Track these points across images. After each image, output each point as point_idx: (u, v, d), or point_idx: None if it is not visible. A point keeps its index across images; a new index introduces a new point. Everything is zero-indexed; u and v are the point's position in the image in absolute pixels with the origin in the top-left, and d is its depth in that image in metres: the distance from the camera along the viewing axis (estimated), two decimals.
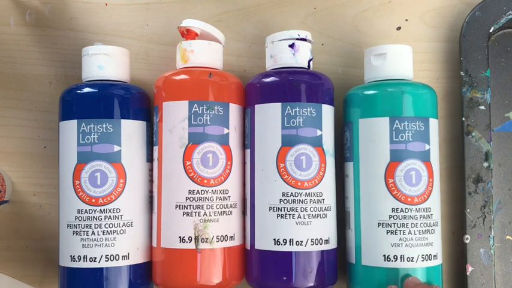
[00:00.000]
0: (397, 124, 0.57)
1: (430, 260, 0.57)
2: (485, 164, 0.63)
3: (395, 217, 0.57)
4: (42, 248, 0.66)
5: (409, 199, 0.57)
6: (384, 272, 0.57)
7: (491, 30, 0.64)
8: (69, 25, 0.68)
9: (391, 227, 0.57)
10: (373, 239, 0.58)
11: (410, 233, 0.57)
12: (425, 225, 0.57)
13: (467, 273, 0.62)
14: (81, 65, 0.62)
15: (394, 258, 0.57)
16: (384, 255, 0.57)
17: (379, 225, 0.58)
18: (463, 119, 0.64)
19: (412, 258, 0.57)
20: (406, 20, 0.68)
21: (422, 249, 0.57)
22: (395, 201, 0.57)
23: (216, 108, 0.58)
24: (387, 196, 0.58)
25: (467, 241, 0.62)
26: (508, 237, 0.65)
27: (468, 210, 0.63)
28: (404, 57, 0.60)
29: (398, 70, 0.60)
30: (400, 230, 0.57)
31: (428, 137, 0.58)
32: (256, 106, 0.59)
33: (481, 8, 0.65)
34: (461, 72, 0.64)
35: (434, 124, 0.59)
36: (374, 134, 0.59)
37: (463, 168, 0.63)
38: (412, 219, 0.57)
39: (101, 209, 0.57)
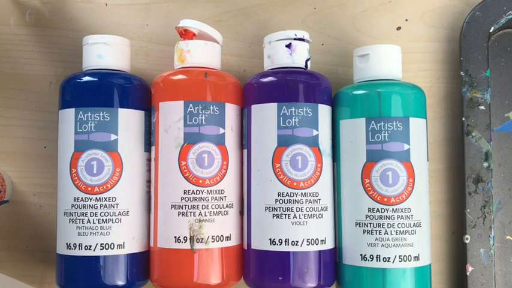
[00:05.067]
0: (373, 125, 0.57)
1: (410, 261, 0.57)
2: (485, 164, 0.63)
3: (371, 217, 0.57)
4: (42, 248, 0.66)
5: (385, 199, 0.57)
6: (361, 271, 0.57)
7: (491, 30, 0.64)
8: (69, 25, 0.68)
9: (367, 226, 0.57)
10: (352, 238, 0.58)
11: (387, 233, 0.57)
12: (403, 225, 0.57)
13: (467, 273, 0.62)
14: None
15: (371, 257, 0.57)
16: (361, 255, 0.57)
17: (356, 225, 0.58)
18: (463, 119, 0.63)
19: (389, 258, 0.57)
20: (406, 20, 0.68)
21: (399, 249, 0.57)
22: (371, 201, 0.57)
23: (211, 108, 0.58)
24: (364, 196, 0.58)
25: (467, 241, 0.62)
26: (508, 237, 0.65)
27: (468, 210, 0.62)
28: (389, 57, 0.60)
29: (382, 70, 0.60)
30: (376, 230, 0.57)
31: (408, 137, 0.57)
32: (253, 106, 0.59)
33: (481, 8, 0.65)
34: (461, 72, 0.64)
35: (416, 124, 0.58)
36: (352, 135, 0.59)
37: (463, 168, 0.63)
38: (389, 219, 0.57)
39: (96, 198, 0.57)
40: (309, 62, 0.61)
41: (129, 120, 0.59)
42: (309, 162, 0.57)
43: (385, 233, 0.57)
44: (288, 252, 0.57)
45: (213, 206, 0.57)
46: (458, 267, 0.66)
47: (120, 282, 0.58)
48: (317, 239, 0.57)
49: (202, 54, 0.60)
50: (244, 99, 0.61)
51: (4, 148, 0.67)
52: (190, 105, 0.57)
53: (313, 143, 0.58)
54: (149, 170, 0.61)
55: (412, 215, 0.57)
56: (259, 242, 0.58)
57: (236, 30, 0.68)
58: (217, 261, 0.57)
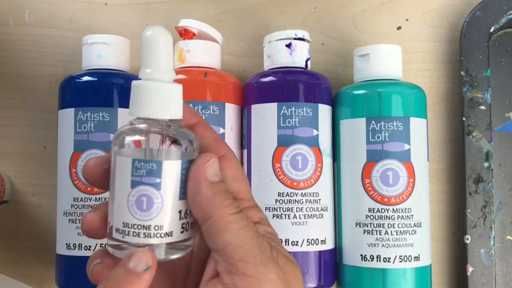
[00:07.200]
0: (373, 125, 0.57)
1: (410, 261, 0.57)
2: (486, 164, 0.63)
3: (371, 217, 0.57)
4: (42, 248, 0.66)
5: (385, 199, 0.57)
6: (361, 271, 0.57)
7: (491, 30, 0.64)
8: (69, 25, 0.68)
9: (367, 226, 0.57)
10: (352, 239, 0.58)
11: (387, 234, 0.57)
12: (403, 225, 0.57)
13: (468, 274, 0.62)
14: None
15: (371, 258, 0.57)
16: (361, 255, 0.57)
17: (356, 225, 0.58)
18: (464, 119, 0.63)
19: (389, 258, 0.57)
20: (406, 20, 0.68)
21: (400, 250, 0.57)
22: (371, 201, 0.57)
23: (211, 108, 0.57)
24: (364, 196, 0.58)
25: (467, 241, 0.62)
26: (508, 237, 0.65)
27: (469, 211, 0.62)
28: (389, 57, 0.60)
29: (382, 70, 0.60)
30: (377, 230, 0.57)
31: (408, 137, 0.57)
32: (253, 106, 0.59)
33: (481, 8, 0.64)
34: (462, 72, 0.64)
35: (417, 124, 0.58)
36: (352, 135, 0.59)
37: (464, 168, 0.63)
38: (389, 219, 0.57)
39: (96, 198, 0.57)
40: (309, 62, 0.60)
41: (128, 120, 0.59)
42: (309, 162, 0.57)
43: (385, 233, 0.57)
44: None
45: None
46: (459, 268, 0.66)
47: None
48: (317, 239, 0.57)
49: (202, 54, 0.60)
50: (244, 99, 0.61)
51: (4, 148, 0.67)
52: (190, 105, 0.57)
53: (313, 143, 0.58)
54: None
55: (412, 215, 0.57)
56: None
57: (236, 30, 0.68)
58: None
